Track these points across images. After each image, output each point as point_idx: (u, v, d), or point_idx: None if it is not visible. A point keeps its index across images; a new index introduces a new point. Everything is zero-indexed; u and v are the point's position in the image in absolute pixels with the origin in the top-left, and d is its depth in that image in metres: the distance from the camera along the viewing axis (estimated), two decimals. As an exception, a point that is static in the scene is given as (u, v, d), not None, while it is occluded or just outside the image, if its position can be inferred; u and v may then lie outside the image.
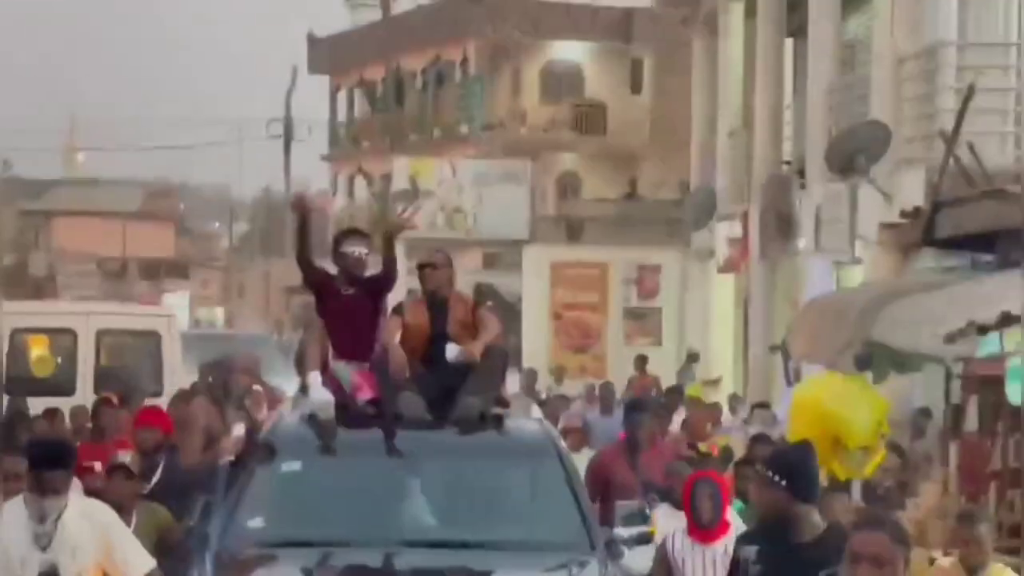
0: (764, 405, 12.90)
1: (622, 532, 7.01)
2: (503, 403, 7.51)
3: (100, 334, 14.49)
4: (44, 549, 6.11)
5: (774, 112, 18.62)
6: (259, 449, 7.28)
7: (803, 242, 16.67)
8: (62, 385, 14.01)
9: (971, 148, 12.15)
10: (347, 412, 7.17)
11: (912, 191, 13.32)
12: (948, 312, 8.41)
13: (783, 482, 4.92)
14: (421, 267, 7.53)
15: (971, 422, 9.93)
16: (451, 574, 6.68)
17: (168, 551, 7.01)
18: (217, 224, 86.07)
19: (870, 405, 9.29)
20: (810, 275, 16.15)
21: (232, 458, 7.50)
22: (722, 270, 20.70)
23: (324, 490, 7.12)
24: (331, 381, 7.24)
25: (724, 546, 6.75)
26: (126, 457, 7.95)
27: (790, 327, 12.65)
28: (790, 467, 4.99)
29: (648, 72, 38.30)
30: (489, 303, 7.99)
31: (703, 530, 7.05)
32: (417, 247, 19.30)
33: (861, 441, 9.21)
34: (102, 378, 14.17)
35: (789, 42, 19.31)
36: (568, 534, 6.90)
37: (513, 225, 23.10)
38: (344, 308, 7.32)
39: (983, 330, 7.67)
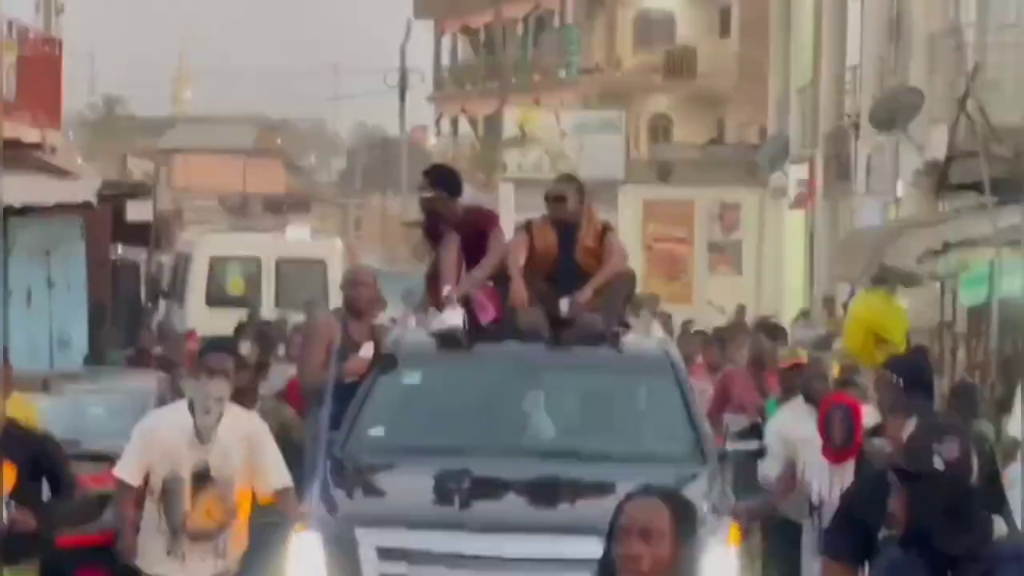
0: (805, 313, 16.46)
1: (735, 447, 7.42)
2: (624, 324, 7.77)
3: (279, 262, 18.36)
4: (204, 443, 6.58)
5: (837, 71, 21.98)
6: (382, 360, 7.54)
7: (857, 185, 20.12)
8: (250, 300, 17.91)
9: (982, 111, 15.48)
10: (470, 328, 7.50)
11: (939, 145, 16.67)
12: (934, 240, 11.87)
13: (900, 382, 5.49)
14: (547, 198, 7.76)
15: (960, 324, 13.45)
16: (566, 484, 6.95)
17: (290, 449, 7.34)
18: (313, 158, 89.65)
19: (896, 312, 12.77)
20: (862, 212, 19.60)
21: (357, 378, 7.57)
22: (793, 207, 24.20)
23: (443, 402, 7.51)
24: (463, 301, 7.56)
25: (851, 465, 7.13)
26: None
27: (832, 255, 16.22)
28: (907, 370, 5.71)
29: (736, 18, 41.30)
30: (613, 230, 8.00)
31: (835, 451, 7.27)
32: (525, 188, 22.95)
33: (896, 336, 12.67)
34: (281, 294, 18.04)
35: (855, 7, 22.58)
36: (681, 447, 7.14)
37: (610, 167, 26.61)
38: (464, 238, 7.74)
39: (945, 249, 11.12)
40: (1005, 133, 15.21)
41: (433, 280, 7.84)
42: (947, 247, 11.05)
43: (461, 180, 8.13)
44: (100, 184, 14.16)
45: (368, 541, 6.37)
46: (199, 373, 6.66)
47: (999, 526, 4.04)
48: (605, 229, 7.75)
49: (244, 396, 7.34)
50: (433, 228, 7.91)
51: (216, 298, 17.90)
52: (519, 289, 7.47)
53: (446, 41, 47.20)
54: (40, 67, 16.77)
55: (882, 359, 12.42)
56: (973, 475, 3.91)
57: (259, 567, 7.06)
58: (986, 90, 16.20)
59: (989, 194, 12.82)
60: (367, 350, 7.66)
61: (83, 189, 13.48)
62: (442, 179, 7.98)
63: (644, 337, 7.89)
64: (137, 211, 15.37)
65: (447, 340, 7.44)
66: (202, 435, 6.56)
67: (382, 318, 8.46)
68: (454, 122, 45.83)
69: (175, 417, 6.68)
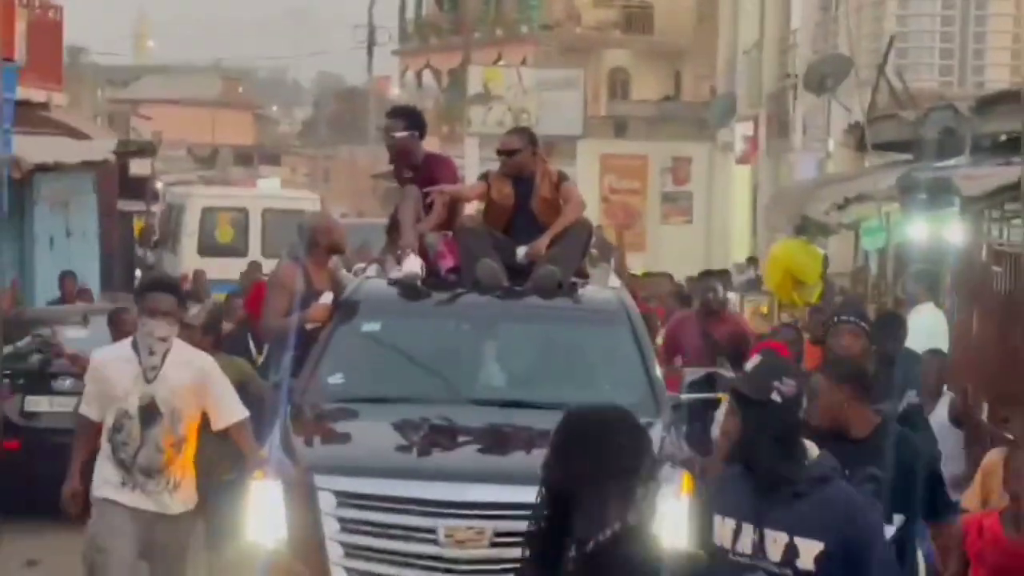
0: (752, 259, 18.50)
1: (689, 396, 7.34)
2: (582, 274, 7.89)
3: (265, 212, 20.22)
4: (150, 382, 6.61)
5: (781, 35, 23.92)
6: (342, 308, 7.57)
7: (795, 142, 22.12)
8: (238, 248, 19.75)
9: (900, 76, 17.46)
10: (429, 278, 7.61)
11: (864, 107, 18.65)
12: (838, 196, 13.88)
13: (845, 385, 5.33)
14: (500, 152, 7.87)
15: (873, 268, 15.51)
16: (522, 432, 6.90)
17: (249, 401, 7.35)
18: (275, 108, 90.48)
19: (813, 257, 14.76)
20: (800, 167, 21.61)
21: (318, 324, 7.59)
22: (739, 162, 26.22)
23: (402, 350, 7.47)
24: (420, 249, 7.67)
25: None
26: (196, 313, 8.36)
27: (766, 207, 18.25)
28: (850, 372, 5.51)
29: (692, -25, 43.10)
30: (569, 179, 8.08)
31: None
32: (488, 143, 24.79)
33: (812, 279, 14.68)
34: (266, 243, 19.89)
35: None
36: (634, 397, 6.98)
37: (569, 123, 28.48)
38: (419, 184, 7.85)
39: (845, 203, 13.11)
40: (922, 97, 17.21)
41: (393, 229, 8.02)
42: (847, 201, 13.05)
43: (425, 121, 8.25)
44: (115, 144, 15.96)
45: (327, 487, 6.32)
46: (141, 314, 6.67)
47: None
48: (561, 178, 7.85)
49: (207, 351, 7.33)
50: (400, 173, 8.06)
51: (207, 246, 19.78)
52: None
53: (411, -4, 48.80)
54: (45, 31, 18.34)
55: (799, 298, 14.49)
56: (801, 412, 4.35)
57: (212, 524, 7.22)
58: (906, 57, 18.25)
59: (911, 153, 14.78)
60: (328, 297, 7.70)
61: (100, 148, 15.29)
62: (408, 118, 8.12)
63: (601, 287, 7.96)
64: (139, 167, 17.17)
65: (406, 289, 7.56)
66: (147, 374, 6.62)
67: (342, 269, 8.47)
68: (418, 75, 47.43)
69: (121, 354, 6.74)
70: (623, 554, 3.37)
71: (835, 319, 6.70)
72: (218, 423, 6.78)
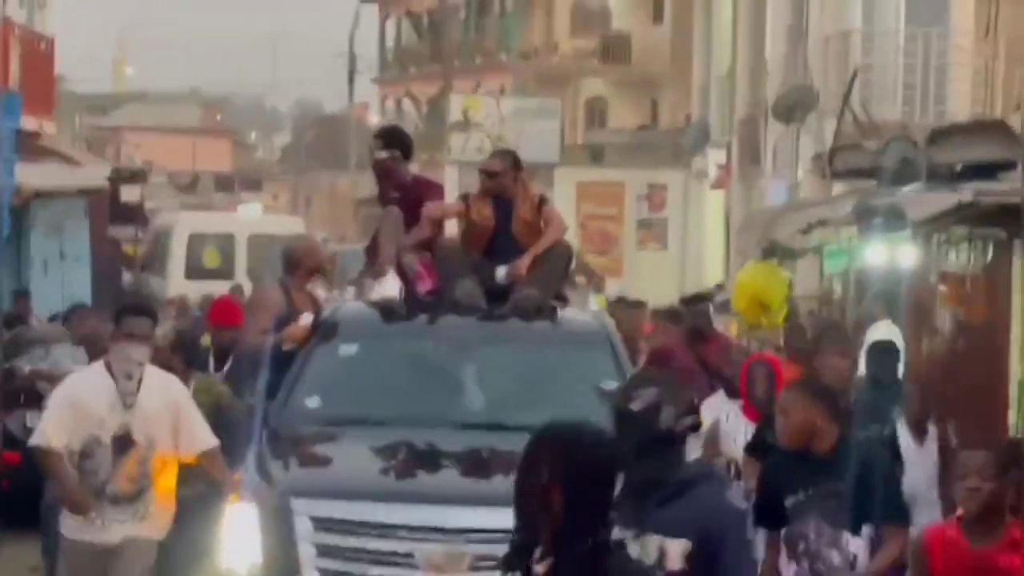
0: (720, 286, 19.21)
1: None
2: (562, 297, 7.89)
3: (250, 237, 20.86)
4: (128, 407, 6.51)
5: (752, 64, 24.71)
6: (319, 330, 7.52)
7: (766, 168, 22.88)
8: (225, 272, 20.38)
9: (864, 107, 18.22)
10: (408, 300, 7.60)
11: (830, 136, 19.40)
12: (802, 221, 14.59)
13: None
14: (482, 173, 7.85)
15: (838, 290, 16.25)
16: (502, 456, 6.77)
17: (225, 424, 7.35)
18: (253, 135, 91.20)
19: (778, 280, 15.45)
20: (770, 193, 22.35)
21: (296, 345, 7.53)
22: (713, 188, 26.99)
23: (381, 373, 7.48)
24: (399, 270, 7.66)
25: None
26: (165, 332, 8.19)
27: (737, 232, 18.97)
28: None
29: (668, 5, 43.97)
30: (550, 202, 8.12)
31: (757, 408, 7.53)
32: (468, 169, 25.48)
33: (777, 303, 15.35)
34: (251, 267, 20.52)
35: (771, 5, 25.28)
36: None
37: (546, 151, 29.15)
38: (405, 205, 7.83)
39: (808, 228, 13.82)
40: (886, 127, 17.97)
41: (372, 251, 8.01)
42: (810, 226, 13.77)
43: (410, 141, 8.29)
44: (109, 171, 16.61)
45: (304, 512, 6.27)
46: (118, 338, 6.58)
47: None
48: (542, 201, 7.89)
49: (173, 373, 7.32)
50: (385, 194, 8.05)
51: (194, 270, 20.42)
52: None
53: (391, 24, 49.58)
54: (37, 61, 19.01)
55: (765, 321, 15.17)
56: (661, 422, 4.50)
57: (188, 539, 7.14)
58: (871, 88, 19.02)
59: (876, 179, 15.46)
60: (308, 318, 7.64)
61: (95, 175, 15.94)
62: (396, 139, 8.17)
63: (580, 311, 7.98)
64: (128, 194, 17.82)
65: (384, 311, 7.54)
66: (124, 399, 6.53)
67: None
68: (398, 103, 48.22)
69: (95, 380, 6.62)
70: (604, 565, 3.52)
71: (822, 340, 6.89)
72: (189, 451, 6.69)
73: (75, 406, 6.51)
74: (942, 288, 10.13)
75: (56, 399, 6.65)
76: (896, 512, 5.85)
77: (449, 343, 7.56)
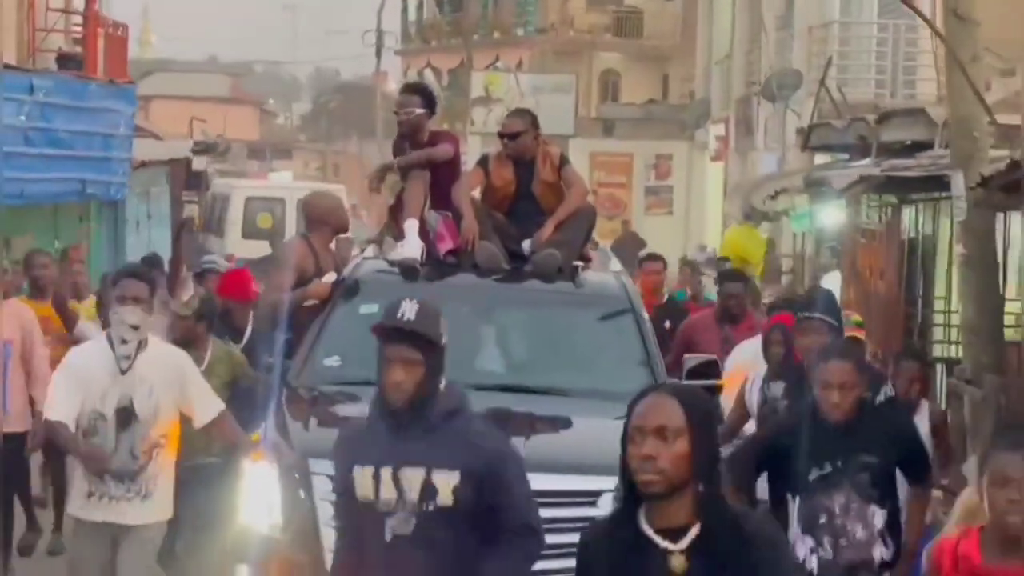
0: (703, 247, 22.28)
1: (691, 383, 7.03)
2: (584, 258, 7.86)
3: (300, 202, 23.95)
4: (124, 372, 6.40)
5: (748, 49, 27.73)
6: (339, 290, 7.49)
7: (758, 142, 25.93)
8: (277, 233, 23.46)
9: (839, 89, 21.24)
10: (429, 260, 7.60)
11: (811, 114, 22.43)
12: (771, 188, 17.61)
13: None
14: (502, 136, 7.80)
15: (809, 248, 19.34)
16: (520, 417, 6.82)
17: (242, 394, 7.42)
18: (272, 101, 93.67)
19: (756, 240, 18.50)
20: (762, 165, 25.40)
21: (316, 302, 7.52)
22: (713, 159, 30.07)
23: None
24: (424, 230, 7.66)
25: None
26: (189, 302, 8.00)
27: (726, 199, 22.07)
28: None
29: (679, -19, 46.85)
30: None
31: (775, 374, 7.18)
32: (491, 141, 28.50)
33: (754, 259, 18.37)
34: (300, 228, 23.57)
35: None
36: (635, 382, 6.73)
37: (561, 123, 32.21)
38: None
39: (776, 195, 16.85)
40: (861, 107, 20.99)
41: (396, 211, 7.99)
42: (777, 193, 16.83)
43: (437, 98, 8.39)
44: (192, 144, 19.74)
45: (323, 472, 5.94)
46: (112, 302, 6.58)
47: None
48: (563, 161, 7.85)
49: (194, 342, 7.38)
50: (402, 150, 8.02)
51: (250, 231, 23.57)
52: (470, 223, 7.60)
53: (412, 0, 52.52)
54: (117, 48, 21.99)
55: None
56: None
57: (197, 507, 7.26)
58: (848, 72, 22.10)
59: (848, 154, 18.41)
60: (331, 276, 7.67)
61: (181, 148, 19.07)
62: (425, 95, 8.13)
63: (603, 272, 8.00)
64: (199, 163, 20.96)
65: (405, 271, 7.56)
66: (120, 363, 6.44)
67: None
68: (420, 75, 51.13)
69: (96, 351, 6.57)
70: (736, 525, 3.45)
71: (803, 316, 6.52)
72: (200, 421, 6.69)
73: (78, 376, 6.46)
74: (862, 242, 13.17)
75: (60, 372, 6.58)
76: (920, 474, 5.84)
77: (469, 303, 7.56)
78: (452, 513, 4.33)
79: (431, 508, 4.34)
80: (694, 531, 3.47)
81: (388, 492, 4.36)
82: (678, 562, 3.46)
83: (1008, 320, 10.39)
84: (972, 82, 9.54)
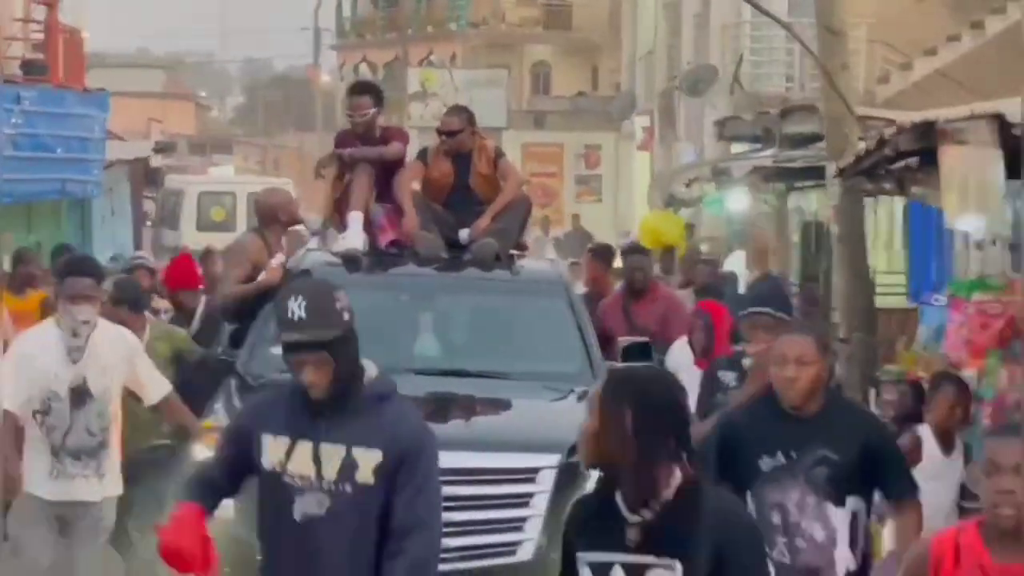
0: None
1: (623, 365, 7.17)
2: (521, 247, 8.23)
3: (249, 195, 25.68)
4: (76, 363, 6.62)
5: (669, 43, 29.72)
6: (286, 280, 7.54)
7: (680, 133, 27.93)
8: (229, 225, 25.15)
9: (752, 84, 23.23)
10: (371, 250, 7.96)
11: (727, 107, 24.43)
12: (685, 177, 19.54)
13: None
14: (440, 133, 8.11)
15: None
16: (461, 399, 7.17)
17: (187, 371, 7.62)
18: (204, 94, 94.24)
19: (675, 224, 20.42)
20: (683, 154, 27.40)
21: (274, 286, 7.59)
22: (639, 148, 32.08)
23: None
24: (367, 222, 7.98)
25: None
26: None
27: (648, 187, 24.08)
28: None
29: (607, -24, 48.74)
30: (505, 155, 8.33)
31: (700, 358, 7.50)
32: (427, 134, 30.36)
33: (673, 240, 20.25)
34: (251, 221, 25.29)
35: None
36: (572, 365, 7.45)
37: (494, 116, 34.08)
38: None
39: (689, 183, 18.80)
40: (772, 100, 22.99)
41: (340, 203, 8.21)
42: (691, 181, 18.81)
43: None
44: (153, 144, 21.42)
45: None
46: (62, 300, 6.75)
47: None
48: (498, 155, 8.20)
49: (125, 325, 7.35)
50: (349, 145, 8.26)
51: (204, 224, 25.29)
52: (410, 215, 7.93)
53: (347, -6, 54.13)
54: (75, 52, 23.50)
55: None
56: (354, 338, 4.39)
57: (149, 488, 7.42)
58: (761, 68, 24.13)
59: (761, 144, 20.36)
60: (279, 258, 8.02)
61: (142, 148, 20.76)
62: (376, 94, 8.37)
63: (538, 259, 8.57)
64: (156, 161, 22.64)
65: (348, 261, 7.87)
66: (72, 355, 6.66)
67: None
68: (355, 69, 52.69)
69: (46, 337, 6.75)
70: (697, 503, 3.60)
71: (748, 311, 6.31)
72: (150, 398, 6.94)
73: (28, 362, 6.66)
74: (760, 225, 15.16)
75: (10, 360, 6.76)
76: (913, 485, 5.30)
77: (410, 292, 7.96)
78: (371, 493, 4.27)
79: (348, 488, 4.27)
80: (655, 505, 3.68)
81: (304, 468, 4.30)
82: (633, 533, 3.68)
83: (879, 290, 12.37)
84: (838, 88, 11.49)
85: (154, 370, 7.02)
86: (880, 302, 12.27)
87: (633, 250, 10.54)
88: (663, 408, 3.71)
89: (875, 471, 5.17)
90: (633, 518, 3.70)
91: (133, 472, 7.17)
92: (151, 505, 7.35)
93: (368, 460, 4.29)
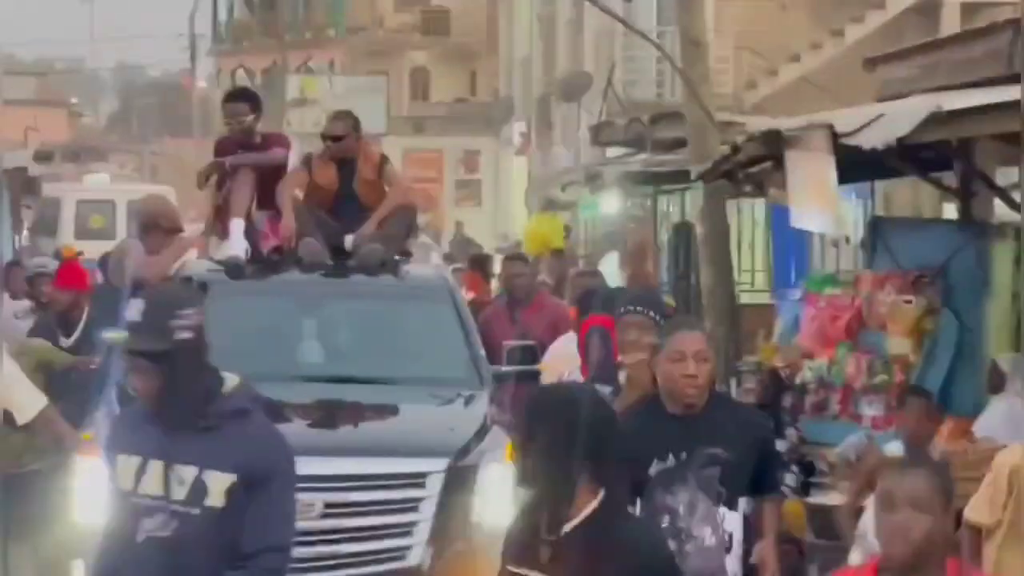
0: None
1: (510, 369, 7.55)
2: (405, 253, 8.24)
3: (131, 203, 25.90)
4: None
5: (545, 50, 30.43)
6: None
7: (556, 138, 28.68)
8: (108, 233, 25.33)
9: (625, 90, 24.00)
10: (255, 258, 7.96)
11: (601, 113, 25.18)
12: (563, 180, 20.22)
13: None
14: (325, 138, 8.16)
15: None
16: (347, 406, 7.23)
17: (54, 378, 7.43)
18: (75, 99, 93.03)
19: (555, 226, 21.06)
20: (560, 159, 28.13)
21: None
22: (517, 154, 32.78)
23: (227, 329, 7.23)
24: (249, 229, 8.02)
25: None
26: None
27: (526, 192, 24.77)
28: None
29: (484, -18, 49.40)
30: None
31: (596, 372, 6.95)
32: (307, 141, 30.75)
33: (554, 242, 20.85)
34: (130, 228, 25.53)
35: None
36: (459, 370, 7.53)
37: (374, 122, 34.51)
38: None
39: (564, 188, 19.51)
40: (646, 106, 23.77)
41: (221, 211, 8.25)
42: (564, 186, 19.51)
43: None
44: (33, 153, 21.61)
45: None
46: None
47: None
48: (383, 161, 8.28)
49: None
50: (228, 152, 8.32)
51: (82, 232, 25.46)
52: (288, 221, 7.96)
53: (223, 0, 54.12)
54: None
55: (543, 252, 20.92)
56: (203, 344, 4.23)
57: (24, 512, 7.30)
58: (635, 74, 24.93)
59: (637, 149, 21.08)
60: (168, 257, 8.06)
61: (20, 157, 20.96)
62: (253, 101, 8.46)
63: (423, 265, 8.52)
64: (34, 169, 22.83)
65: (230, 269, 7.91)
66: None
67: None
68: (232, 75, 52.71)
69: None
70: (610, 528, 3.59)
71: (622, 309, 6.09)
72: (23, 417, 6.77)
73: None
74: (631, 227, 15.88)
75: None
76: (777, 483, 5.43)
77: (295, 298, 7.94)
78: (221, 516, 4.18)
79: (197, 511, 4.19)
80: (568, 527, 3.71)
81: (154, 488, 4.22)
82: (545, 552, 3.74)
83: (744, 287, 13.13)
84: (699, 97, 12.20)
85: (27, 386, 6.87)
86: (746, 298, 13.00)
87: (513, 257, 10.76)
88: (580, 428, 3.66)
89: (760, 468, 5.12)
90: (546, 537, 3.74)
91: (4, 498, 7.06)
92: (26, 530, 7.33)
93: (220, 482, 4.21)
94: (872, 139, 6.35)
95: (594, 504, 3.70)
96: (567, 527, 3.72)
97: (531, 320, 9.61)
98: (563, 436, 3.66)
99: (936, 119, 6.43)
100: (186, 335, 4.26)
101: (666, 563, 3.84)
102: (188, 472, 4.21)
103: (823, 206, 6.98)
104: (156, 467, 4.24)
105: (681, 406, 5.02)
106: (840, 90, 16.78)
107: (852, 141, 6.46)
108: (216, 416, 4.25)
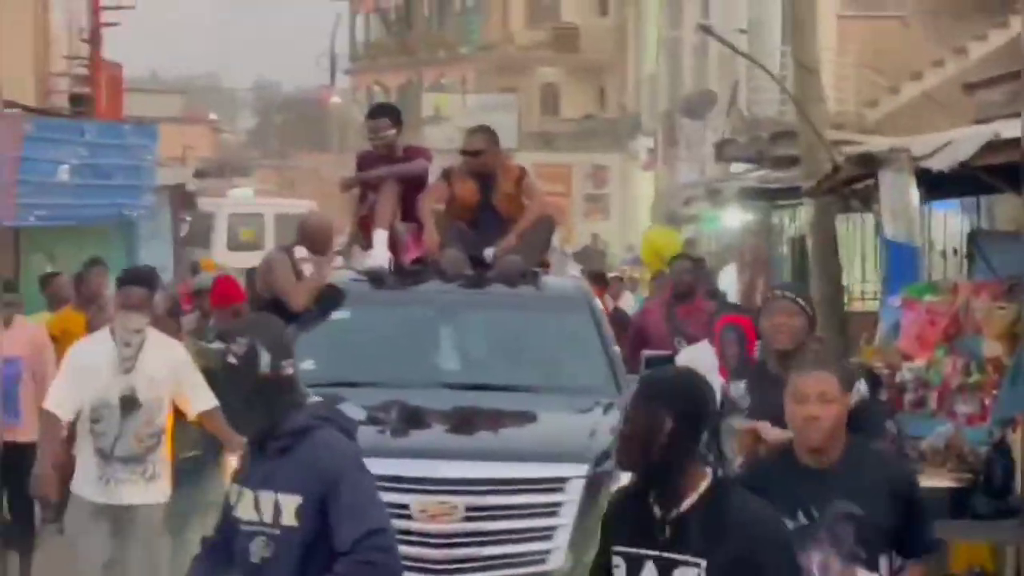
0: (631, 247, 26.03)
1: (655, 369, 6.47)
2: (544, 264, 8.42)
3: (277, 216, 27.50)
4: (127, 372, 7.01)
5: (671, 68, 31.48)
6: (328, 294, 8.02)
7: (682, 153, 29.68)
8: (258, 244, 26.89)
9: (749, 108, 24.96)
10: (396, 268, 8.26)
11: (726, 129, 26.17)
12: (683, 196, 21.31)
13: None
14: (464, 153, 8.36)
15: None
16: (490, 413, 7.44)
17: (215, 384, 7.32)
18: (213, 115, 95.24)
19: (672, 237, 22.07)
20: (686, 174, 29.14)
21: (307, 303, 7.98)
22: (644, 168, 33.84)
23: (371, 337, 8.02)
24: (392, 240, 8.31)
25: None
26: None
27: (652, 206, 25.83)
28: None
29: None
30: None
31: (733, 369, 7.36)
32: (441, 157, 32.11)
33: (672, 254, 21.84)
34: (278, 240, 27.05)
35: (689, 19, 31.98)
36: (597, 378, 7.74)
37: (507, 138, 35.65)
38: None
39: (687, 201, 20.52)
40: (768, 123, 24.72)
41: (365, 221, 8.52)
42: (687, 200, 20.56)
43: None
44: (194, 171, 23.31)
45: None
46: (117, 307, 7.13)
47: None
48: (522, 175, 8.44)
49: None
50: (367, 166, 8.62)
51: (234, 244, 27.11)
52: (430, 233, 8.22)
53: (360, 20, 55.87)
54: (115, 87, 25.33)
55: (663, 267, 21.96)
56: (260, 368, 4.37)
57: (191, 498, 7.64)
58: (758, 94, 25.89)
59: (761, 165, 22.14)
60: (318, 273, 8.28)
61: (184, 174, 22.64)
62: (394, 116, 8.72)
63: (562, 276, 8.63)
64: (192, 184, 24.49)
65: (374, 279, 8.20)
66: (123, 364, 7.00)
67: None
68: (368, 91, 54.40)
69: (100, 346, 7.10)
70: (726, 505, 3.83)
71: (770, 294, 6.03)
72: (192, 411, 7.22)
73: (80, 370, 7.01)
74: (749, 241, 16.90)
75: (64, 365, 7.13)
76: (927, 543, 4.88)
77: (436, 308, 8.14)
78: (297, 533, 4.39)
79: (279, 532, 4.42)
80: (685, 505, 3.89)
81: (249, 513, 4.48)
82: (664, 531, 3.90)
83: (853, 296, 14.07)
84: (808, 118, 13.21)
85: (202, 384, 7.23)
86: (858, 307, 13.92)
87: (680, 256, 11.34)
88: (697, 411, 3.89)
89: (904, 524, 4.73)
90: (664, 516, 3.90)
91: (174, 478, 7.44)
92: (188, 510, 7.68)
93: (290, 504, 4.40)
94: (941, 162, 7.32)
95: (707, 483, 3.93)
96: (684, 505, 3.91)
97: (688, 318, 9.89)
98: (683, 419, 3.87)
99: (992, 146, 7.39)
100: (233, 360, 4.45)
101: (783, 537, 4.00)
102: (268, 497, 4.43)
103: (907, 220, 7.93)
104: (248, 494, 4.48)
105: (811, 454, 4.67)
106: (961, 108, 17.38)
107: (925, 164, 7.45)
108: (281, 439, 4.43)
